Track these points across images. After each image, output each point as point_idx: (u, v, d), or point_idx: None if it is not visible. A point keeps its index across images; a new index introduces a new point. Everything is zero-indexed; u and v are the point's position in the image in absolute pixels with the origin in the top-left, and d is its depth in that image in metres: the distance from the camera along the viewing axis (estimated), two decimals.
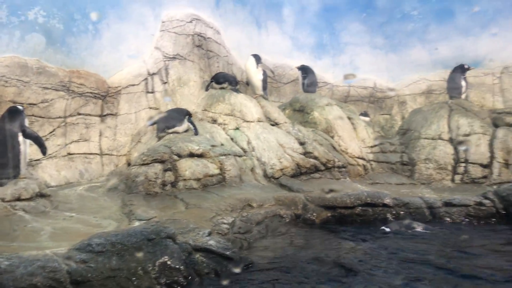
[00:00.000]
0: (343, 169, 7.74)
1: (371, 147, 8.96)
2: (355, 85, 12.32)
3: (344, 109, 9.59)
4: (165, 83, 8.03)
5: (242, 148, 7.23)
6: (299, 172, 7.25)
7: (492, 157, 7.98)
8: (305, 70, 10.41)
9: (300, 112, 9.15)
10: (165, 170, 5.97)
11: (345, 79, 11.70)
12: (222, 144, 6.99)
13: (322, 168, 7.51)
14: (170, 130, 7.03)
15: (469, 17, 11.45)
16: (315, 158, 7.56)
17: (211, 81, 8.41)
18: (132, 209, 5.07)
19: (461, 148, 8.22)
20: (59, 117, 6.74)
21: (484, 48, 11.26)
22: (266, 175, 7.03)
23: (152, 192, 5.71)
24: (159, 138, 6.99)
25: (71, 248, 3.28)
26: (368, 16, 12.47)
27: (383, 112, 12.08)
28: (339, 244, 4.62)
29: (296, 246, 4.50)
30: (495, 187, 6.84)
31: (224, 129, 7.59)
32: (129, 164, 6.98)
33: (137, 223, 4.52)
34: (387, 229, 5.05)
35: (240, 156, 6.82)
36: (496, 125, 8.87)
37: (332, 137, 8.50)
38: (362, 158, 8.43)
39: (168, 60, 8.09)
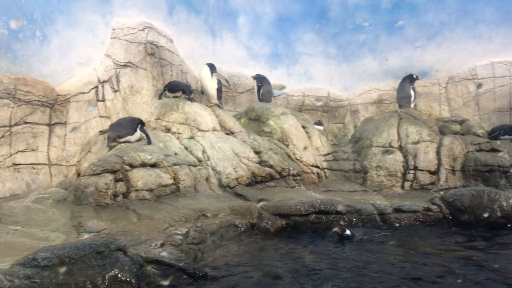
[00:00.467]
0: (298, 177, 7.81)
1: (325, 155, 9.10)
2: (309, 94, 12.53)
3: (299, 118, 9.72)
4: (117, 91, 7.86)
5: (196, 158, 7.16)
6: (255, 181, 7.26)
7: (439, 164, 8.30)
8: (260, 80, 10.50)
9: (255, 121, 9.19)
10: (117, 181, 5.81)
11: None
12: (176, 154, 6.90)
13: (277, 176, 7.55)
14: (122, 139, 6.87)
15: (417, 28, 11.93)
16: (271, 166, 7.60)
17: (164, 90, 8.30)
18: (82, 221, 4.90)
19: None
20: (4, 126, 6.44)
21: (431, 59, 11.75)
22: (221, 185, 6.99)
23: (103, 203, 5.55)
24: (110, 147, 6.81)
25: (15, 263, 3.13)
26: (321, 26, 12.74)
27: (337, 120, 12.33)
28: (292, 253, 4.65)
29: (250, 256, 4.49)
30: (442, 193, 7.11)
31: (178, 138, 7.50)
32: (79, 175, 6.75)
33: (86, 236, 4.37)
34: (349, 234, 5.09)
35: (194, 165, 6.75)
36: (442, 133, 9.27)
37: (287, 145, 8.58)
38: (316, 166, 8.55)
39: (119, 68, 7.93)
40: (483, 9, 11.41)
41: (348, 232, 5.13)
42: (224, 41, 12.11)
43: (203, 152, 7.33)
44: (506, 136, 9.09)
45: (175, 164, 6.39)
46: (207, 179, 6.79)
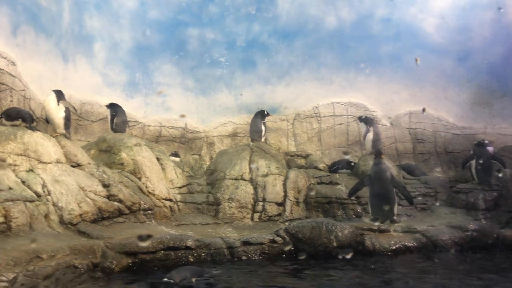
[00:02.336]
0: (149, 211, 7.61)
1: (180, 187, 9.03)
2: (167, 125, 12.47)
3: (154, 149, 9.53)
4: None
5: (35, 192, 6.52)
6: (101, 216, 6.87)
7: (285, 196, 8.81)
8: (114, 108, 10.11)
9: (107, 153, 8.77)
10: None
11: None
12: (10, 188, 6.22)
13: (127, 211, 7.26)
14: None
15: (268, 68, 12.77)
16: (120, 201, 7.29)
17: (1, 117, 7.51)
18: None
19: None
20: None
21: (280, 97, 12.65)
22: (63, 222, 6.46)
23: None
24: None
25: None
26: (180, 58, 12.87)
27: (193, 152, 12.43)
28: None
29: None
30: (287, 224, 7.54)
31: (14, 170, 6.77)
32: None
33: None
34: (171, 281, 4.70)
35: (32, 201, 6.13)
36: (289, 166, 9.91)
37: (140, 178, 8.32)
38: (170, 200, 8.42)
39: None
40: (325, 54, 12.70)
41: (178, 275, 4.73)
42: (77, 67, 11.52)
43: (44, 186, 6.72)
44: (344, 170, 10.12)
45: (7, 200, 5.74)
46: (46, 216, 6.23)
